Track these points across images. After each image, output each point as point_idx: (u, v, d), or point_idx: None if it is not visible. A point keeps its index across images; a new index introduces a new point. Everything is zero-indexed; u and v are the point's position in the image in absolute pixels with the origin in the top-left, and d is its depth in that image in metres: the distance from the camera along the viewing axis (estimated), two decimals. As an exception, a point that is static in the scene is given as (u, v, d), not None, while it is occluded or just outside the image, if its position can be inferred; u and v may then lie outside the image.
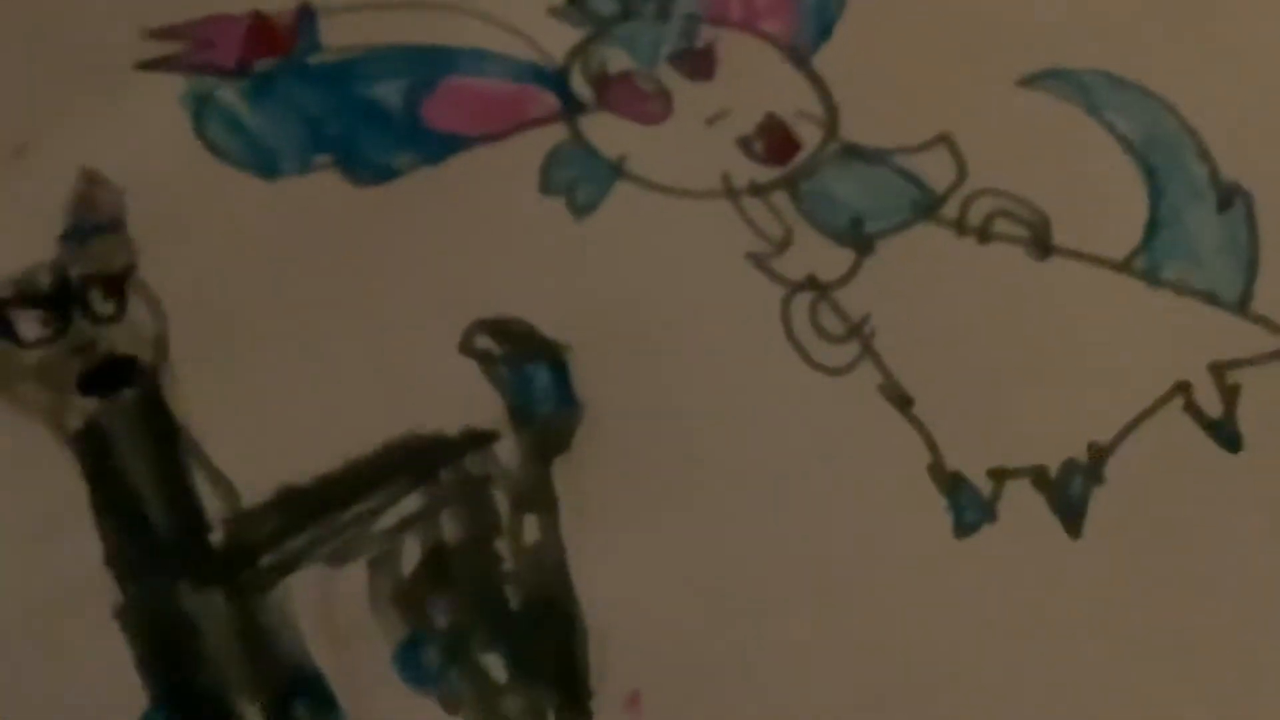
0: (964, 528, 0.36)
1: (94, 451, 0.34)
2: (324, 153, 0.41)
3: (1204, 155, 0.41)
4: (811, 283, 0.40)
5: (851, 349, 0.39)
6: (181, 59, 0.41)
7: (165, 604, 0.32)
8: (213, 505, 0.33)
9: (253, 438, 0.35)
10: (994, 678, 0.34)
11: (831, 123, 0.44)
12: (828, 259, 0.41)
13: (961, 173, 0.42)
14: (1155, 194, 0.41)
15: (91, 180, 0.38)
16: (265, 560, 0.32)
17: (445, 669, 0.32)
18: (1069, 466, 0.37)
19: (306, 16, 0.43)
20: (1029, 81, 0.42)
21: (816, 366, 0.38)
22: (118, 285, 0.36)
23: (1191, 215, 0.40)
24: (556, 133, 0.43)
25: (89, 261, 0.37)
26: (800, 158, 0.43)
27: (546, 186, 0.41)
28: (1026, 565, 0.35)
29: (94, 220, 0.38)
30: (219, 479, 0.34)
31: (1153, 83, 0.41)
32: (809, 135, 0.44)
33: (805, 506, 0.35)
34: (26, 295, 0.36)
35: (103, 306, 0.36)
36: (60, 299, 0.36)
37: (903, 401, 0.38)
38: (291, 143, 0.41)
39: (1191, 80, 0.41)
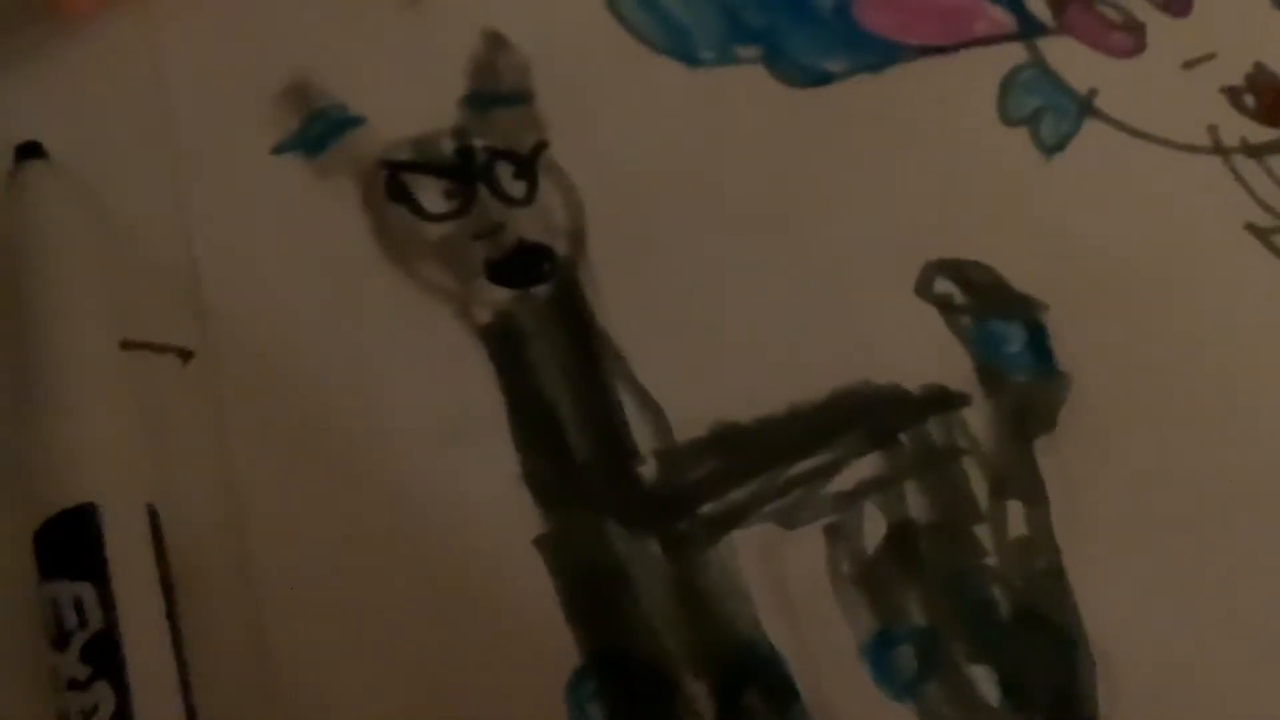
0: None
1: (506, 349, 0.28)
2: (748, 43, 0.35)
3: None
4: (1330, 269, 0.33)
5: (1383, 353, 0.32)
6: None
7: (595, 542, 0.26)
8: (639, 433, 0.28)
9: (680, 361, 0.29)
10: None
11: (1336, 83, 0.37)
12: (1346, 244, 0.34)
13: None
14: None
15: (496, 43, 0.33)
16: (705, 508, 0.27)
17: (924, 677, 0.26)
18: None
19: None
20: None
21: (1340, 367, 0.31)
22: (528, 165, 0.31)
23: None
24: (1012, 53, 0.37)
25: (494, 134, 0.32)
26: (1300, 119, 0.36)
27: (1007, 114, 0.35)
28: None
29: (498, 89, 0.33)
30: (647, 402, 0.28)
31: None
32: (1309, 95, 0.37)
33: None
34: (427, 161, 0.31)
35: (511, 186, 0.31)
36: (464, 170, 0.31)
37: None
38: (712, 28, 0.35)
39: None
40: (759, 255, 0.31)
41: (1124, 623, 0.27)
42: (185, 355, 0.27)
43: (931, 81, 0.35)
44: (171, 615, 0.22)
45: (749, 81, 0.34)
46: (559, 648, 0.25)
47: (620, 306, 0.29)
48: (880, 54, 0.35)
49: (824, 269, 0.31)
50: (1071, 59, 0.36)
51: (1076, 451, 0.29)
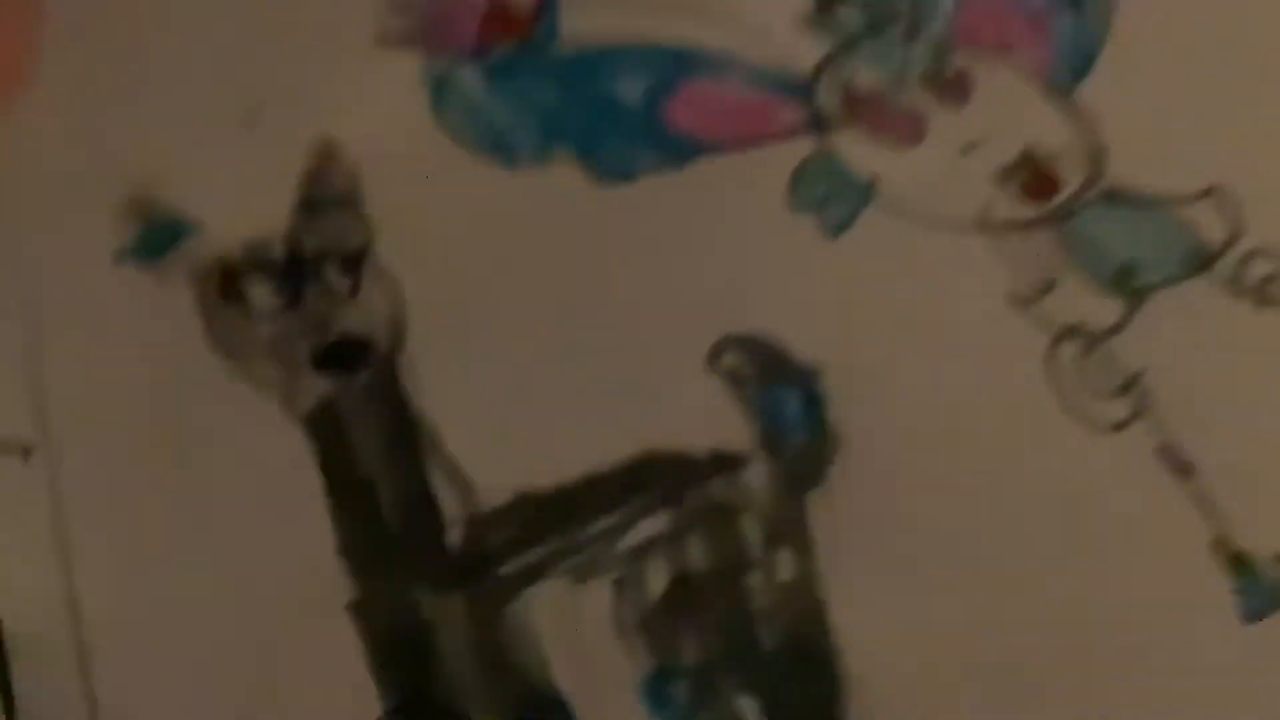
0: (1251, 613, 0.32)
1: (327, 433, 0.31)
2: (563, 145, 0.39)
3: None
4: (1079, 330, 0.37)
5: (1123, 406, 0.36)
6: (419, 35, 0.40)
7: (402, 605, 0.29)
8: (448, 503, 0.31)
9: (489, 437, 0.32)
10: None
11: (1095, 162, 0.41)
12: (1096, 306, 0.38)
13: (1236, 230, 0.39)
14: None
15: (328, 153, 0.37)
16: (505, 568, 0.30)
17: (695, 708, 0.29)
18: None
19: (547, 4, 0.41)
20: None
21: (1083, 420, 0.35)
22: (354, 263, 0.35)
23: None
24: (803, 147, 0.41)
25: (323, 235, 0.35)
26: (1061, 197, 0.40)
27: (796, 202, 0.39)
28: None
29: (329, 194, 0.36)
30: (456, 475, 0.31)
31: None
32: (1070, 174, 0.41)
33: (1074, 572, 0.32)
34: (259, 263, 0.34)
35: (338, 283, 0.34)
36: (293, 271, 0.34)
37: (1183, 469, 0.35)
38: (530, 132, 0.39)
39: None
40: (564, 339, 0.34)
41: (879, 655, 0.30)
42: (26, 452, 0.30)
43: (729, 175, 0.39)
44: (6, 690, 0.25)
45: (562, 180, 0.38)
46: (363, 703, 0.28)
47: (436, 389, 0.33)
48: (683, 152, 0.39)
49: (623, 349, 0.35)
50: (857, 149, 0.40)
51: (844, 504, 0.32)
